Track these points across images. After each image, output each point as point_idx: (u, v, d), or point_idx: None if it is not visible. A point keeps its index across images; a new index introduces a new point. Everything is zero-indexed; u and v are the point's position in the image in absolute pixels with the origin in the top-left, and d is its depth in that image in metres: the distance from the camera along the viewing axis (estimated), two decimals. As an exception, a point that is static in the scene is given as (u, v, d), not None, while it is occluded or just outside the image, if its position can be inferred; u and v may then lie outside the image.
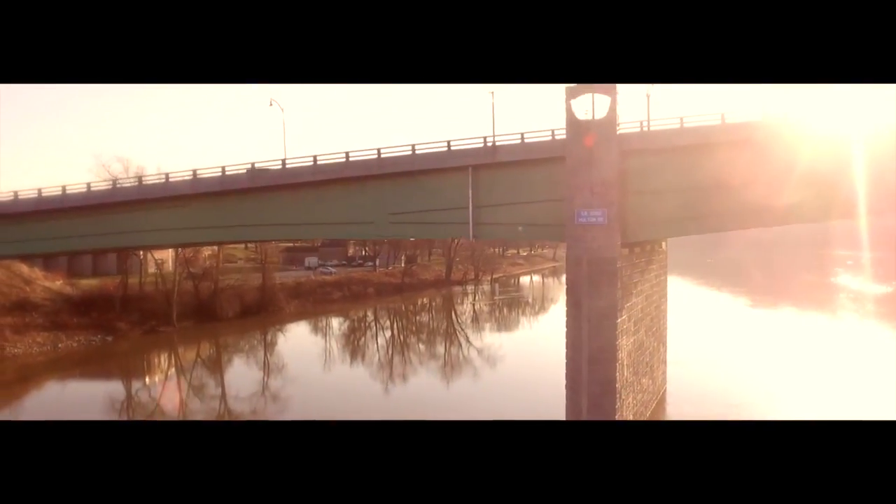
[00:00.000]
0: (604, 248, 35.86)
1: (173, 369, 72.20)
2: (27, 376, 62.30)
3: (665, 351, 52.00)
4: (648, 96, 52.51)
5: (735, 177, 35.76)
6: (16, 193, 46.16)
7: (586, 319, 35.82)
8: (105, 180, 45.50)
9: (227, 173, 41.25)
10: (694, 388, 52.15)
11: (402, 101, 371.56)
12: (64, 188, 44.47)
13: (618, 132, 36.29)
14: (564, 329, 37.02)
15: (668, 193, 36.84)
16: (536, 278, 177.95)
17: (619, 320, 36.35)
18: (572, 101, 36.50)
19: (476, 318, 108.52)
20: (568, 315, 36.60)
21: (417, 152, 38.79)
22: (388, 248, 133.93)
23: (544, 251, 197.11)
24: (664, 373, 51.40)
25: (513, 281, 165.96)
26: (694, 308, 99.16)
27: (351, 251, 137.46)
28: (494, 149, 37.72)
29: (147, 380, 67.65)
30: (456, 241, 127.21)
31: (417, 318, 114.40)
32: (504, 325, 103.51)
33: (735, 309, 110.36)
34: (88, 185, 44.41)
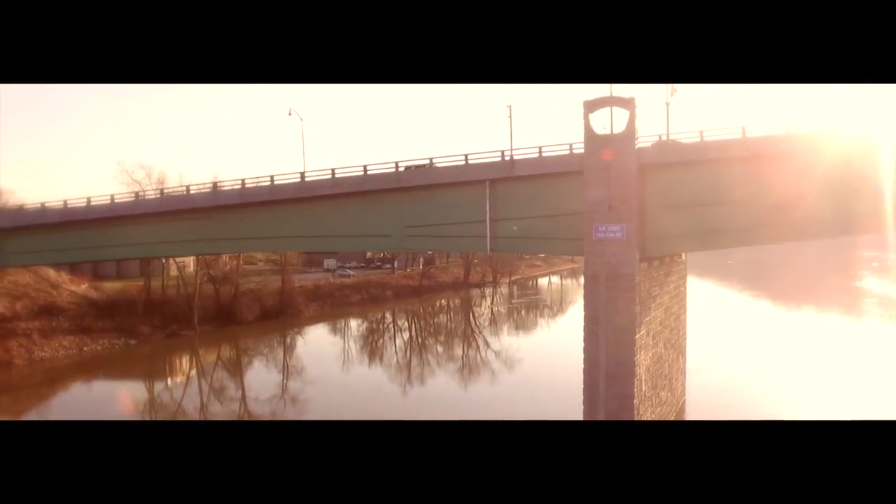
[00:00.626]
0: (622, 263, 35.74)
1: (195, 373, 73.05)
2: (54, 379, 63.43)
3: (684, 361, 51.66)
4: (668, 105, 52.26)
5: (757, 191, 35.48)
6: (43, 205, 46.96)
7: (604, 335, 35.73)
8: (128, 193, 46.04)
9: (246, 186, 41.66)
10: (714, 398, 51.73)
11: (420, 113, 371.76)
12: (89, 199, 45.20)
13: (637, 146, 36.14)
14: (582, 343, 36.97)
15: (688, 207, 36.61)
16: (555, 279, 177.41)
17: (637, 336, 36.23)
18: (590, 115, 36.42)
19: (494, 322, 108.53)
20: (585, 330, 36.52)
21: (435, 166, 38.86)
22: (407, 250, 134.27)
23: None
24: (683, 384, 51.08)
25: (531, 283, 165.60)
26: (715, 312, 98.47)
27: (369, 253, 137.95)
28: (512, 163, 37.72)
29: (169, 383, 68.55)
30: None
31: (436, 320, 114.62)
32: (522, 328, 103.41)
33: (757, 312, 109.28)
34: (112, 196, 45.12)
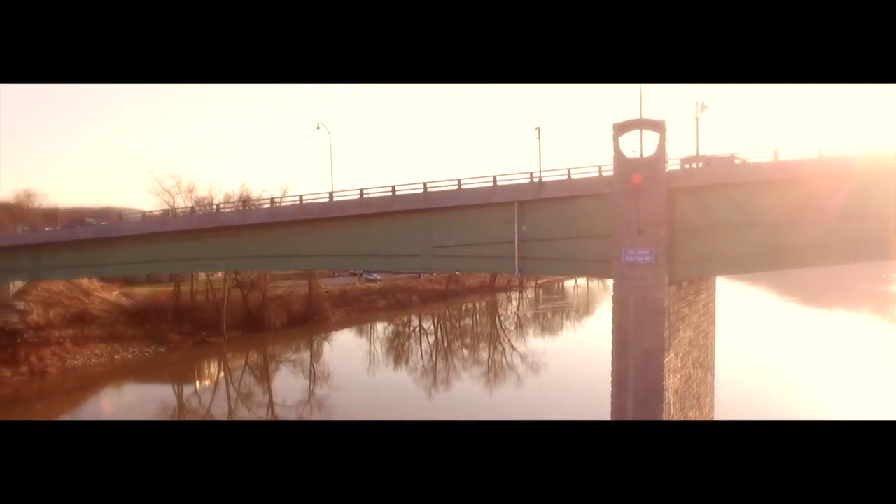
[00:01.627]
0: (651, 287, 35.40)
1: (223, 380, 73.98)
2: (86, 386, 64.67)
3: (713, 378, 51.04)
4: (698, 119, 51.69)
5: (789, 214, 34.89)
6: (76, 225, 47.80)
7: (633, 360, 35.46)
8: (160, 211, 46.59)
9: (275, 206, 42.01)
10: (742, 414, 51.19)
11: (446, 124, 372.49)
12: (121, 215, 46.00)
13: (667, 169, 35.75)
14: (610, 364, 36.73)
15: (719, 231, 36.12)
16: (581, 281, 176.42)
17: (665, 360, 35.88)
18: (620, 138, 36.11)
19: (521, 327, 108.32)
20: (614, 354, 36.25)
21: (463, 187, 38.84)
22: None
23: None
24: (711, 401, 50.46)
25: (557, 286, 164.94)
26: (744, 316, 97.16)
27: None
28: (541, 185, 37.54)
29: (198, 389, 69.47)
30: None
31: (462, 325, 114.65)
32: (549, 332, 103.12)
33: (786, 316, 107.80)
34: (143, 214, 45.78)
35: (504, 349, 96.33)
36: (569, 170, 37.85)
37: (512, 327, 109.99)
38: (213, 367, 78.13)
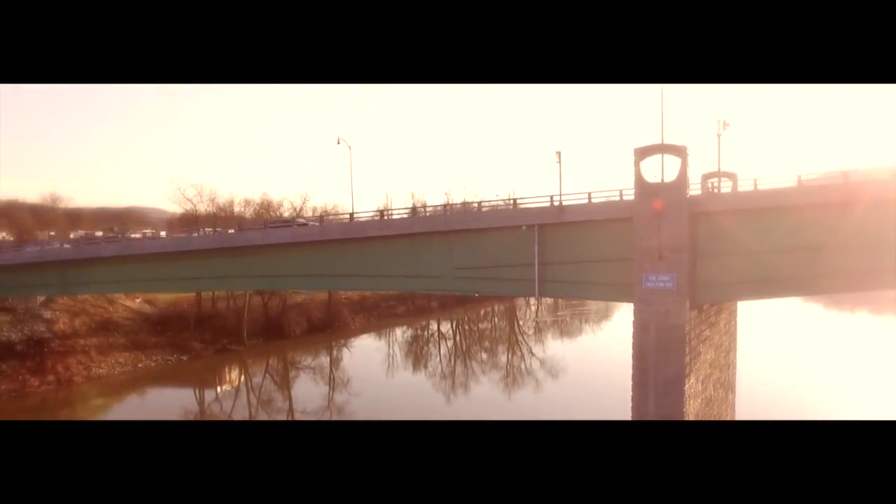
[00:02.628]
0: (672, 313, 35.25)
1: (244, 387, 74.72)
2: (110, 394, 65.63)
3: (734, 397, 50.74)
4: (719, 136, 51.26)
5: (812, 239, 34.59)
6: (100, 242, 48.59)
7: (653, 387, 35.35)
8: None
9: (297, 226, 42.39)
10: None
11: (463, 135, 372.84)
12: (144, 234, 46.74)
13: (688, 194, 35.54)
14: (630, 396, 36.63)
15: (741, 256, 35.86)
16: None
17: (686, 386, 35.73)
18: (641, 163, 35.97)
19: (540, 332, 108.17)
20: (634, 380, 36.15)
21: (483, 210, 38.89)
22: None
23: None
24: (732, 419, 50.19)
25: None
26: (768, 323, 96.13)
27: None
28: (561, 209, 37.50)
29: (218, 396, 70.23)
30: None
31: (480, 330, 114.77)
32: (568, 337, 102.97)
33: (811, 322, 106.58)
34: (168, 233, 46.36)
35: (523, 354, 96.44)
36: (589, 193, 37.78)
37: (531, 332, 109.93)
38: (235, 375, 78.87)
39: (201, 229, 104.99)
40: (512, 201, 38.38)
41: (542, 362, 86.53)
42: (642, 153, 35.98)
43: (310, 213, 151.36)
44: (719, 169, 51.58)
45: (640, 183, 35.71)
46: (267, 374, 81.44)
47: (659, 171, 36.31)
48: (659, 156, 35.73)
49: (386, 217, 40.35)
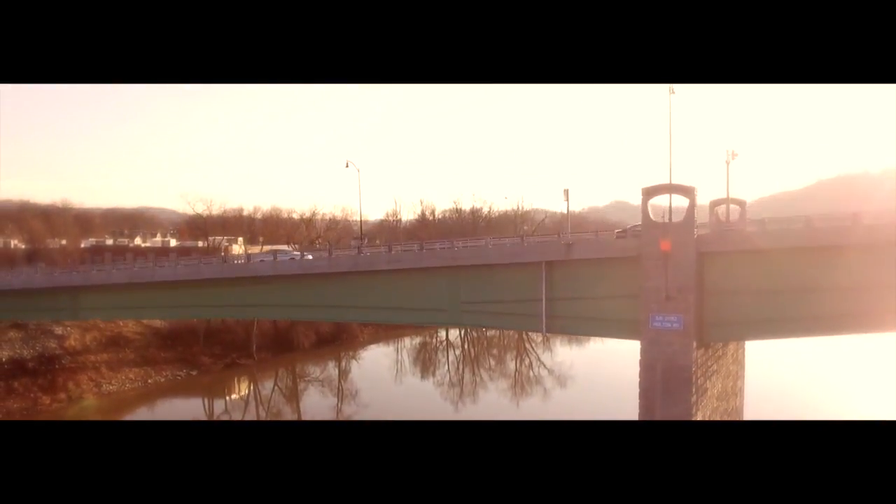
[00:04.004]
0: (679, 354, 35.27)
1: (252, 402, 75.20)
2: (121, 410, 66.18)
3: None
4: (728, 163, 51.21)
5: (822, 281, 34.54)
6: (112, 266, 49.07)
7: (660, 427, 35.39)
8: (192, 260, 47.31)
9: (305, 259, 42.69)
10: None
11: (475, 152, 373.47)
12: (154, 264, 47.19)
13: (696, 234, 35.53)
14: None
15: (749, 295, 35.82)
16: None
17: (693, 425, 35.75)
18: (649, 203, 35.99)
19: (548, 340, 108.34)
20: (640, 418, 36.22)
21: (491, 246, 39.03)
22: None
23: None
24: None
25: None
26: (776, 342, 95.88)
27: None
28: (569, 246, 37.55)
29: (227, 409, 70.70)
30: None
31: (489, 337, 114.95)
32: (577, 346, 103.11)
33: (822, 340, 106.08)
34: (176, 264, 46.83)
35: (531, 361, 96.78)
36: (596, 231, 37.94)
37: (538, 338, 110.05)
38: (244, 390, 79.36)
39: (210, 237, 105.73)
40: (520, 238, 38.39)
41: (551, 370, 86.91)
42: (650, 192, 35.98)
43: (319, 219, 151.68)
44: (728, 195, 51.64)
45: (648, 222, 35.73)
46: (276, 388, 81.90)
47: (667, 212, 36.41)
48: (667, 196, 35.87)
49: (394, 251, 40.53)
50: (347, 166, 49.91)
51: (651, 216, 35.92)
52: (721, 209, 51.53)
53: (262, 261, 44.09)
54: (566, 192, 38.87)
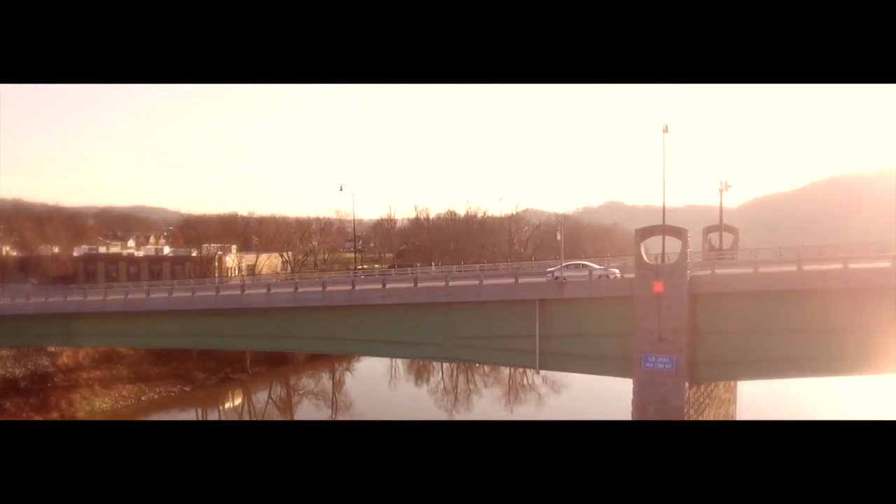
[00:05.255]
0: (671, 394, 35.49)
1: (246, 416, 75.17)
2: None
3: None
4: (721, 191, 51.40)
5: (813, 323, 34.82)
6: (105, 296, 49.01)
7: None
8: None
9: (299, 292, 42.69)
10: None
11: (470, 154, 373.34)
12: (148, 292, 47.19)
13: (688, 275, 35.70)
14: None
15: (741, 335, 36.08)
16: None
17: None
18: (642, 244, 36.19)
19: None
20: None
21: (485, 284, 39.14)
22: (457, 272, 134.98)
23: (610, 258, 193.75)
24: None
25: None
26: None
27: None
28: (562, 285, 37.69)
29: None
30: (521, 263, 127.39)
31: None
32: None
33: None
34: (170, 292, 46.74)
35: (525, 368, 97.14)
36: (590, 270, 37.96)
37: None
38: (237, 405, 79.34)
39: (203, 245, 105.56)
40: (513, 276, 38.52)
41: (545, 377, 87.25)
42: (643, 233, 36.18)
43: (314, 222, 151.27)
44: (721, 223, 51.88)
45: (641, 264, 35.93)
46: (270, 400, 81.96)
47: (660, 254, 36.66)
48: (660, 237, 36.07)
49: (388, 287, 40.58)
50: (342, 189, 49.86)
51: (644, 258, 36.11)
52: (714, 236, 51.86)
53: (256, 293, 44.09)
54: (560, 230, 38.98)
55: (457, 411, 73.74)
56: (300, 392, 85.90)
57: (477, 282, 39.28)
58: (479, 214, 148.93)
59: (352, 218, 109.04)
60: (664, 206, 44.52)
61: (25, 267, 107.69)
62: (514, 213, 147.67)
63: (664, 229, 36.21)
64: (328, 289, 41.89)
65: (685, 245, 35.52)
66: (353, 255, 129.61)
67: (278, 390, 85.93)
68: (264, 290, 43.70)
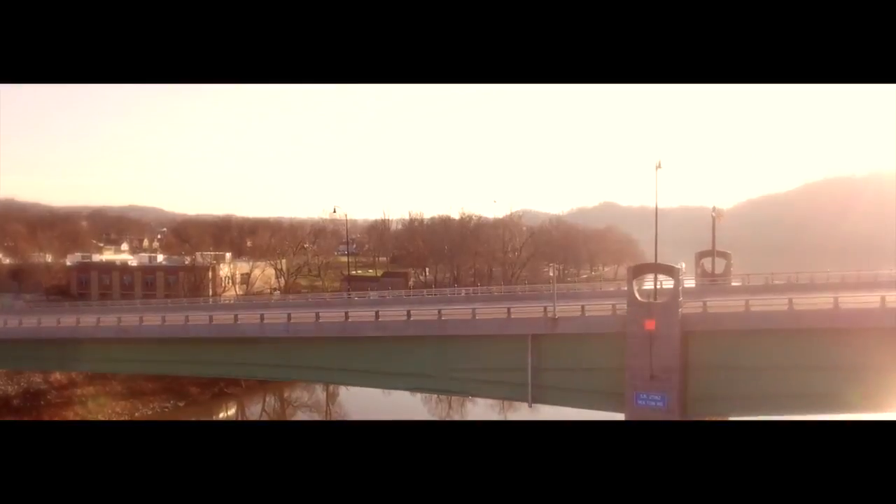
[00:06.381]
0: (663, 432, 35.62)
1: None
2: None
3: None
4: (714, 219, 51.63)
5: (803, 361, 35.03)
6: (98, 321, 48.95)
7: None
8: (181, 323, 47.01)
9: (292, 321, 42.75)
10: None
11: (465, 155, 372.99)
12: (141, 320, 47.22)
13: (681, 313, 35.83)
14: None
15: (733, 372, 36.22)
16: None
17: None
18: (634, 281, 36.33)
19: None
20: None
21: (477, 318, 39.26)
22: (451, 277, 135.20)
23: (605, 270, 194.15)
24: None
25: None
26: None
27: (411, 282, 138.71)
28: (555, 321, 37.82)
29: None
30: (514, 271, 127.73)
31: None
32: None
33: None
34: (163, 318, 46.76)
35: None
36: (582, 306, 38.13)
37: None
38: (231, 417, 79.37)
39: (196, 253, 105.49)
40: (506, 310, 38.67)
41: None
42: (635, 271, 36.34)
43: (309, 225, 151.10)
44: (713, 248, 52.10)
45: (633, 301, 36.04)
46: (265, 413, 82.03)
47: (651, 292, 36.82)
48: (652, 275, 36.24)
49: (381, 319, 40.67)
50: (335, 212, 49.82)
51: (637, 295, 36.25)
52: (707, 261, 52.06)
53: (249, 323, 44.15)
54: (553, 266, 38.98)
55: (450, 418, 73.89)
56: (294, 405, 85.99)
57: (469, 315, 39.32)
58: (473, 220, 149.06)
59: (345, 219, 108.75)
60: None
61: (18, 275, 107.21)
62: (509, 214, 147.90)
63: (656, 267, 36.37)
64: (321, 319, 41.93)
65: (677, 283, 35.67)
66: (347, 258, 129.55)
67: (273, 403, 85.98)
68: (257, 319, 43.71)
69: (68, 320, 50.45)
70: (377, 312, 41.19)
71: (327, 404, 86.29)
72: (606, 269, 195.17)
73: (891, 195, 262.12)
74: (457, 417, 75.01)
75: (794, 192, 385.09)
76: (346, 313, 41.99)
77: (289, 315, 43.19)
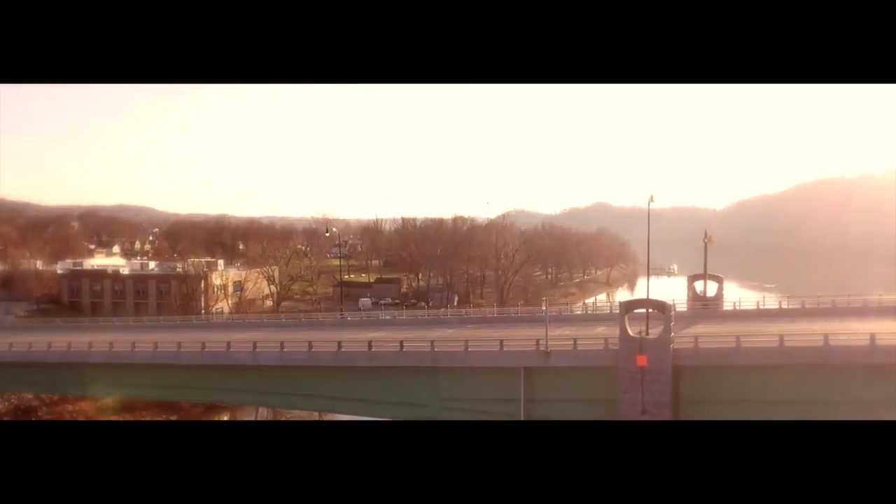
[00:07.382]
0: (654, 467, 35.83)
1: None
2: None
3: None
4: (706, 242, 51.77)
5: (795, 395, 35.29)
6: (90, 346, 48.71)
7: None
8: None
9: (285, 351, 42.73)
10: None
11: (460, 154, 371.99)
12: (133, 345, 47.06)
13: (672, 349, 36.00)
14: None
15: (725, 405, 36.36)
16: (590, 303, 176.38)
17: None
18: (626, 317, 36.46)
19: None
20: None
21: (470, 350, 39.35)
22: (444, 283, 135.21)
23: (598, 274, 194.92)
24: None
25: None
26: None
27: (404, 288, 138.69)
28: (547, 354, 37.94)
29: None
30: (507, 276, 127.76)
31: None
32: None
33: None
34: (155, 345, 46.62)
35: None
36: (575, 340, 38.22)
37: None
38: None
39: (189, 259, 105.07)
40: (498, 343, 38.77)
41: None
42: (627, 307, 36.47)
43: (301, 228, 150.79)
44: (705, 272, 52.30)
45: (625, 336, 36.19)
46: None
47: (643, 329, 36.88)
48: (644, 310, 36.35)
49: (374, 350, 40.71)
50: (328, 232, 49.66)
51: (629, 330, 36.38)
52: (699, 284, 52.22)
53: (241, 350, 44.11)
54: (545, 299, 39.17)
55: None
56: (288, 415, 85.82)
57: (462, 347, 39.40)
58: (466, 224, 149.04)
59: (339, 219, 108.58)
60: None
61: (8, 283, 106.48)
62: (502, 215, 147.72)
63: (648, 303, 36.51)
64: (314, 349, 41.90)
65: (669, 319, 35.86)
66: (339, 263, 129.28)
67: (265, 414, 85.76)
68: (250, 346, 43.67)
69: (60, 342, 50.15)
70: (370, 344, 41.21)
71: (320, 415, 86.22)
72: (599, 272, 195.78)
73: (882, 196, 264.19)
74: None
75: (786, 193, 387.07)
76: (339, 343, 41.96)
77: (281, 343, 43.15)
